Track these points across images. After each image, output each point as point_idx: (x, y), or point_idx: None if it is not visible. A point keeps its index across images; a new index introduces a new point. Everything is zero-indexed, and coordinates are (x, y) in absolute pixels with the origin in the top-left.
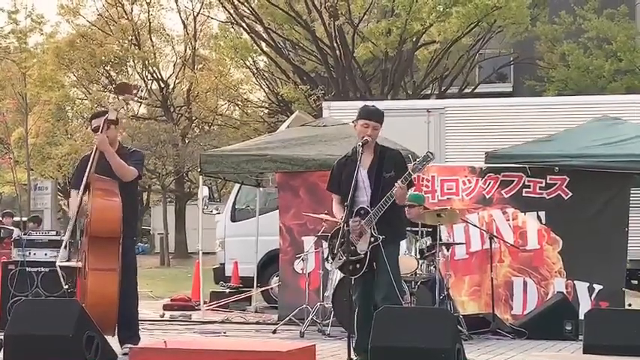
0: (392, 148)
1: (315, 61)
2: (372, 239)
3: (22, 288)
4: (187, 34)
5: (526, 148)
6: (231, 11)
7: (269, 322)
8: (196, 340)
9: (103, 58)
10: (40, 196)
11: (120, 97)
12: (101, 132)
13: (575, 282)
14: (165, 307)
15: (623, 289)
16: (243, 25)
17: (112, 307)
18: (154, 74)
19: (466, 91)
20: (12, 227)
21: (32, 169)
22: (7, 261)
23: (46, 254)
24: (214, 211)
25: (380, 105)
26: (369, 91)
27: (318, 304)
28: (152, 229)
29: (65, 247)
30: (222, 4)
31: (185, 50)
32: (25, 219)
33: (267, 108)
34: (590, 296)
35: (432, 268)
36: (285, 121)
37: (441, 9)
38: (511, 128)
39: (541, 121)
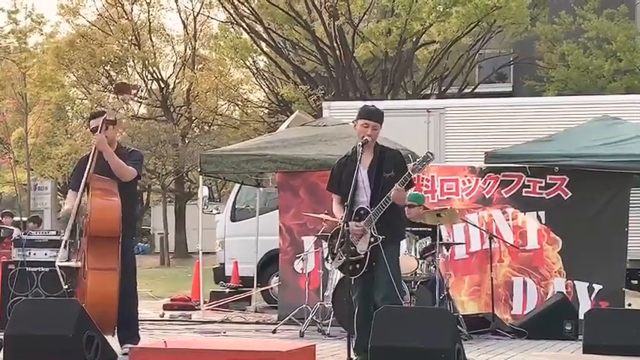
0: (392, 148)
1: (315, 61)
2: (372, 239)
3: (22, 288)
4: (187, 34)
5: (526, 148)
6: (231, 11)
7: (269, 321)
8: (196, 340)
9: (103, 58)
10: (40, 196)
11: (119, 97)
12: (100, 132)
13: (574, 282)
14: (165, 307)
15: (623, 289)
16: (243, 25)
17: (111, 307)
18: (154, 74)
19: (466, 91)
20: (12, 227)
21: (32, 169)
22: (7, 261)
23: (46, 254)
24: (214, 211)
25: (380, 105)
26: (369, 91)
27: (318, 303)
28: (152, 229)
29: (65, 247)
30: (222, 4)
31: (185, 50)
32: (25, 219)
33: (267, 108)
34: (590, 296)
35: (431, 268)
36: (285, 121)
37: (441, 9)
38: (511, 128)
39: (541, 121)
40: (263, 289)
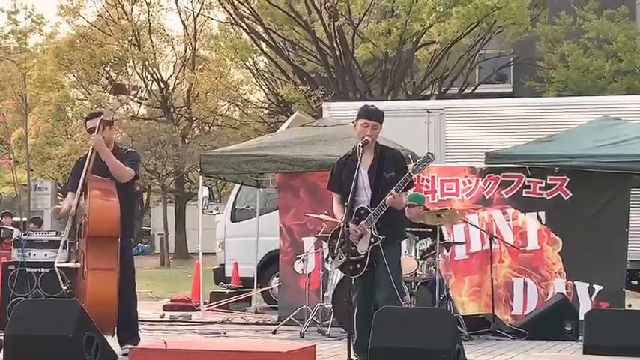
0: (392, 148)
1: (315, 62)
2: (372, 239)
3: (22, 288)
4: (187, 34)
5: (526, 149)
6: (231, 12)
7: (269, 322)
8: (196, 341)
9: (103, 58)
10: (40, 197)
11: (116, 98)
12: (97, 133)
13: (575, 282)
14: (165, 308)
15: (623, 289)
16: (243, 25)
17: (111, 307)
18: (154, 75)
19: (466, 91)
20: (12, 228)
21: (32, 170)
22: (7, 261)
23: (46, 255)
24: (214, 212)
25: (380, 105)
26: (369, 92)
27: (318, 304)
28: (152, 229)
29: (64, 247)
30: (222, 4)
31: (185, 51)
32: (25, 219)
33: (267, 108)
34: (590, 297)
35: (432, 268)
36: (285, 121)
37: (441, 9)
38: (511, 129)
39: (541, 121)
40: (263, 289)
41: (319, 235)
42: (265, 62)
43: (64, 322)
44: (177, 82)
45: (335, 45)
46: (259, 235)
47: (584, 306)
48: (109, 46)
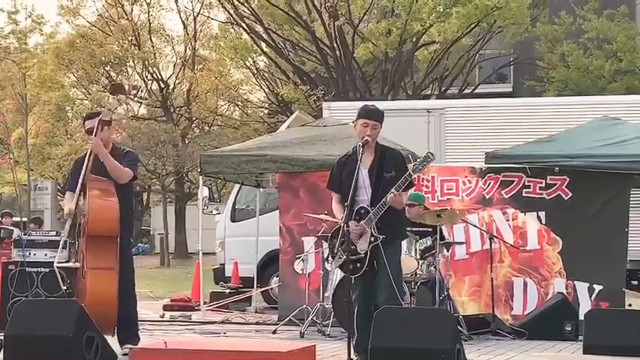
0: (392, 148)
1: (315, 62)
2: (372, 239)
3: (22, 288)
4: (187, 34)
5: (526, 149)
6: (231, 12)
7: (269, 322)
8: (196, 341)
9: (103, 58)
10: (40, 197)
11: (114, 98)
12: (95, 134)
13: (575, 282)
14: (165, 308)
15: (623, 289)
16: (243, 25)
17: (111, 307)
18: (154, 74)
19: (466, 91)
20: (12, 227)
21: (32, 170)
22: (7, 261)
23: (46, 254)
24: (214, 212)
25: (380, 105)
26: (369, 92)
27: (318, 304)
28: (152, 229)
29: (64, 247)
30: (222, 4)
31: (185, 51)
32: (25, 219)
33: (267, 108)
34: (590, 296)
35: (432, 268)
36: (285, 121)
37: (441, 9)
38: (511, 128)
39: (541, 121)
40: (263, 289)
41: (319, 235)
42: (265, 62)
43: (64, 322)
44: (177, 82)
45: (335, 45)
46: (259, 235)
47: (584, 306)
48: (109, 46)
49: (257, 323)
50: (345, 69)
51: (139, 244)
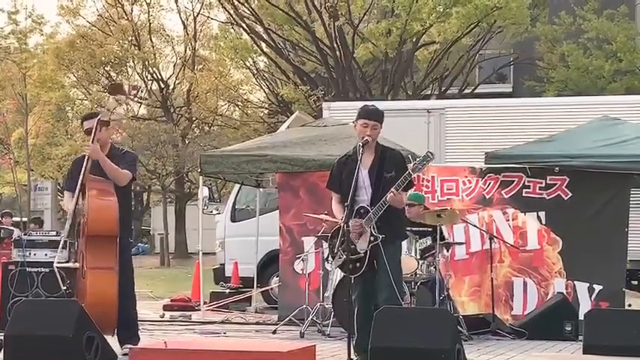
0: (393, 148)
1: (315, 62)
2: (372, 238)
3: (22, 288)
4: (187, 34)
5: (526, 149)
6: (231, 12)
7: (269, 322)
8: (196, 341)
9: (103, 58)
10: (40, 197)
11: (113, 98)
12: (94, 135)
13: (575, 282)
14: (165, 308)
15: (623, 289)
16: (243, 25)
17: (111, 307)
18: (154, 75)
19: (466, 91)
20: (12, 227)
21: (32, 170)
22: (7, 261)
23: (46, 254)
24: (214, 212)
25: (380, 105)
26: (369, 92)
27: (318, 304)
28: (152, 229)
29: (65, 247)
30: (222, 4)
31: (185, 51)
32: (25, 219)
33: (267, 108)
34: (590, 296)
35: (432, 268)
36: (285, 121)
37: (441, 9)
38: (511, 129)
39: (541, 121)
40: (263, 289)
41: (319, 235)
42: (265, 62)
43: (64, 322)
44: (177, 82)
45: (335, 45)
46: (259, 235)
47: (584, 306)
48: (109, 46)
49: (257, 323)
50: (345, 69)
51: (139, 244)
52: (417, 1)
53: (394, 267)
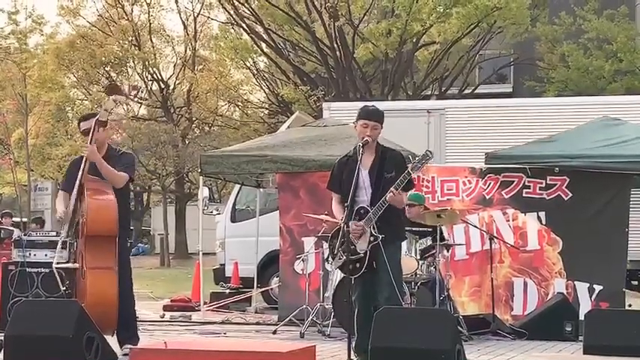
0: (393, 149)
1: (315, 62)
2: (372, 238)
3: (22, 289)
4: (187, 34)
5: (526, 149)
6: (232, 12)
7: (269, 322)
8: (196, 341)
9: (103, 58)
10: (41, 197)
11: (110, 98)
12: (92, 136)
13: (575, 282)
14: (166, 308)
15: (624, 289)
16: (244, 25)
17: (111, 307)
18: (154, 75)
19: (466, 91)
20: (12, 228)
21: (32, 170)
22: (7, 262)
23: (46, 255)
24: (214, 212)
25: (380, 106)
26: (370, 92)
27: (319, 304)
28: (152, 229)
29: (64, 247)
30: (222, 4)
31: (185, 51)
32: (25, 219)
33: (267, 109)
34: (591, 297)
35: (432, 268)
36: (285, 121)
37: (441, 10)
38: (511, 129)
39: (541, 121)
40: (263, 289)
41: (319, 235)
42: (265, 62)
43: (64, 322)
44: (177, 82)
45: (335, 45)
46: (259, 236)
47: (585, 306)
48: (109, 47)
49: (257, 323)
50: (345, 69)
51: (139, 244)
52: (417, 2)
53: (394, 267)
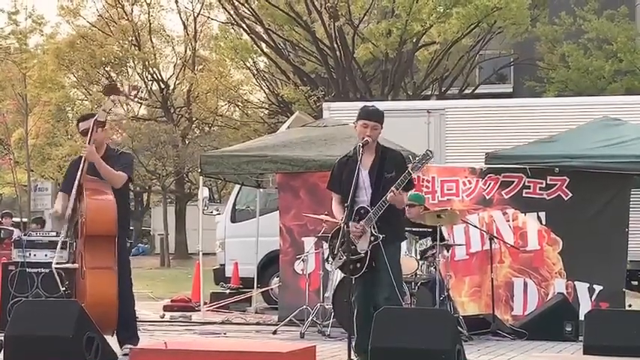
0: (393, 149)
1: (315, 62)
2: (372, 238)
3: (22, 289)
4: (187, 34)
5: (526, 149)
6: (232, 12)
7: (269, 322)
8: (196, 341)
9: (103, 59)
10: (41, 197)
11: (108, 98)
12: (90, 136)
13: (575, 283)
14: (166, 308)
15: (624, 289)
16: (244, 25)
17: (111, 307)
18: (154, 75)
19: (466, 91)
20: (12, 228)
21: (32, 170)
22: (7, 262)
23: (46, 255)
24: (214, 212)
25: (380, 106)
26: (370, 92)
27: (319, 304)
28: (152, 229)
29: (64, 247)
30: (222, 5)
31: (185, 51)
32: (25, 220)
33: (267, 109)
34: (591, 297)
35: (432, 269)
36: (285, 121)
37: (441, 10)
38: (511, 129)
39: (541, 122)
40: (263, 290)
41: (319, 235)
42: (265, 63)
43: (64, 322)
44: (177, 82)
45: (335, 45)
46: (259, 236)
47: (585, 306)
48: (110, 47)
49: (257, 324)
50: (345, 69)
51: (139, 244)
52: (417, 2)
53: (394, 267)
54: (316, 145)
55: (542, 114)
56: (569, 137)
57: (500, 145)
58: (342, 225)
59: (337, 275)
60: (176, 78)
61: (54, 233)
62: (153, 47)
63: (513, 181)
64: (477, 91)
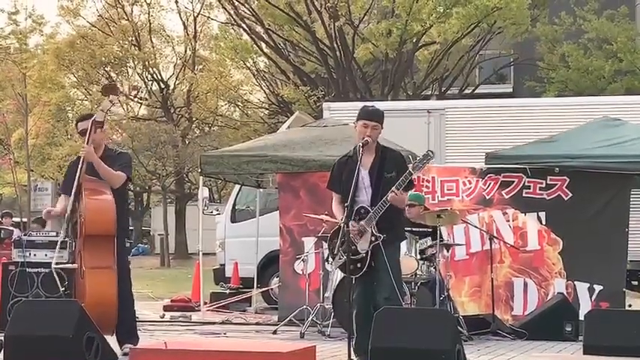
0: (393, 149)
1: (315, 62)
2: (373, 238)
3: (22, 289)
4: (187, 35)
5: (526, 149)
6: (232, 12)
7: (269, 322)
8: (196, 341)
9: (103, 59)
10: (41, 197)
11: (107, 98)
12: (88, 136)
13: (575, 283)
14: (166, 308)
15: (624, 289)
16: (244, 26)
17: (111, 307)
18: (154, 75)
19: (466, 91)
20: (12, 228)
21: (32, 170)
22: (7, 262)
23: (46, 255)
24: (214, 212)
25: (380, 106)
26: (370, 92)
27: (319, 304)
28: (152, 229)
29: (64, 247)
30: (222, 5)
31: (185, 51)
32: (25, 220)
33: (267, 109)
34: (591, 297)
35: (432, 269)
36: (285, 121)
37: (441, 10)
38: (511, 129)
39: (541, 122)
40: (263, 290)
41: (319, 235)
42: (265, 63)
43: (64, 322)
44: (177, 82)
45: (335, 45)
46: (259, 236)
47: (585, 306)
48: (110, 47)
49: (257, 324)
50: (345, 69)
51: (139, 244)
52: (417, 2)
53: (394, 267)
54: (316, 145)
55: (542, 114)
56: (569, 137)
57: (500, 145)
58: (342, 225)
59: (337, 275)
60: (176, 78)
61: (54, 233)
62: (153, 47)
63: (513, 181)
64: (477, 91)
